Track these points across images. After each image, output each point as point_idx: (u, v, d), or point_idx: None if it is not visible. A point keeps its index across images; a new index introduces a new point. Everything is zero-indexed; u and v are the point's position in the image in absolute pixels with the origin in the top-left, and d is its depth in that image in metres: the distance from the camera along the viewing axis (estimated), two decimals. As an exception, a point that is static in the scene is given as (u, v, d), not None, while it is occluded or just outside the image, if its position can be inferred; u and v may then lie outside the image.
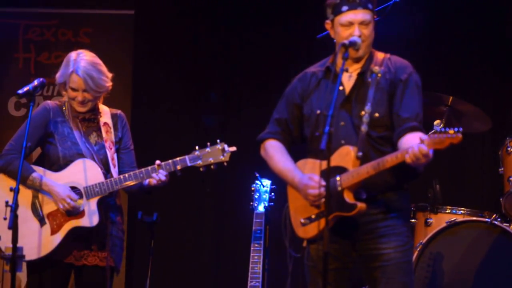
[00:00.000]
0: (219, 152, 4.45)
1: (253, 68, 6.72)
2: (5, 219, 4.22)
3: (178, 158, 4.47)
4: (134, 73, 6.64)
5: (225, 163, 4.47)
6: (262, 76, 6.66)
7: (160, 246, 5.01)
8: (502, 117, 5.97)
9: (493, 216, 5.34)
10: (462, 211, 5.51)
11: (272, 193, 5.16)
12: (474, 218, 5.42)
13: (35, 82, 4.40)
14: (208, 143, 4.46)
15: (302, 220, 3.87)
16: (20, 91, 4.38)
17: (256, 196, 5.16)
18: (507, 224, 5.36)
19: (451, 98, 5.44)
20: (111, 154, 4.57)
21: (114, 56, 6.45)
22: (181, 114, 6.77)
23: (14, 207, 4.08)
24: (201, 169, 4.46)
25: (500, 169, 5.50)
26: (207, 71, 6.77)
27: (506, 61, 6.43)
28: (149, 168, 4.47)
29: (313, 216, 3.84)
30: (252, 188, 5.19)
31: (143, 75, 6.72)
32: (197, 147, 4.46)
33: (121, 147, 4.65)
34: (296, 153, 4.04)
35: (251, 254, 5.02)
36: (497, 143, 5.64)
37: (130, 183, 4.47)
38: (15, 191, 4.15)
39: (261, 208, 5.12)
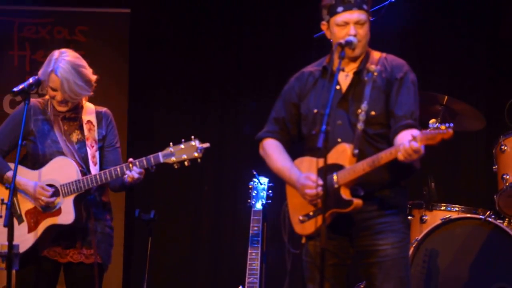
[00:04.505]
0: (192, 149, 4.40)
1: (251, 67, 6.71)
2: (0, 217, 4.23)
3: (151, 155, 4.46)
4: (130, 71, 6.63)
5: (199, 160, 4.43)
6: (260, 75, 6.66)
7: (157, 244, 5.02)
8: (496, 116, 6.00)
9: (487, 213, 5.37)
10: (457, 208, 5.54)
11: (270, 191, 5.16)
12: (469, 215, 5.45)
13: (30, 80, 4.38)
14: (183, 140, 4.45)
15: (300, 217, 3.90)
16: (15, 89, 4.36)
17: (254, 194, 5.16)
18: (501, 221, 5.39)
19: (446, 97, 5.45)
20: (92, 152, 4.53)
21: (110, 54, 6.47)
22: (178, 112, 6.77)
23: (9, 205, 4.08)
24: (175, 165, 4.42)
25: (494, 167, 5.53)
26: (203, 69, 6.77)
27: (500, 61, 6.46)
28: (123, 165, 4.44)
29: (311, 213, 3.86)
30: (250, 186, 5.20)
31: (139, 73, 6.72)
32: (171, 144, 4.44)
33: (106, 145, 4.61)
34: (294, 152, 4.06)
35: (249, 251, 5.03)
36: (491, 141, 5.67)
37: (106, 180, 4.44)
38: (11, 189, 4.15)
39: (258, 206, 5.13)
